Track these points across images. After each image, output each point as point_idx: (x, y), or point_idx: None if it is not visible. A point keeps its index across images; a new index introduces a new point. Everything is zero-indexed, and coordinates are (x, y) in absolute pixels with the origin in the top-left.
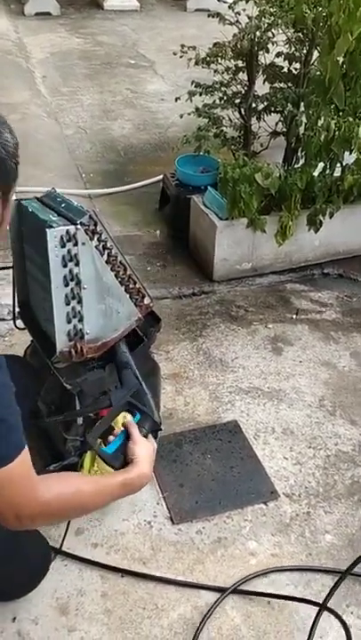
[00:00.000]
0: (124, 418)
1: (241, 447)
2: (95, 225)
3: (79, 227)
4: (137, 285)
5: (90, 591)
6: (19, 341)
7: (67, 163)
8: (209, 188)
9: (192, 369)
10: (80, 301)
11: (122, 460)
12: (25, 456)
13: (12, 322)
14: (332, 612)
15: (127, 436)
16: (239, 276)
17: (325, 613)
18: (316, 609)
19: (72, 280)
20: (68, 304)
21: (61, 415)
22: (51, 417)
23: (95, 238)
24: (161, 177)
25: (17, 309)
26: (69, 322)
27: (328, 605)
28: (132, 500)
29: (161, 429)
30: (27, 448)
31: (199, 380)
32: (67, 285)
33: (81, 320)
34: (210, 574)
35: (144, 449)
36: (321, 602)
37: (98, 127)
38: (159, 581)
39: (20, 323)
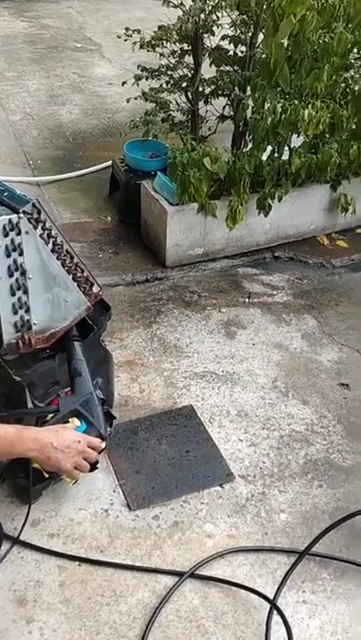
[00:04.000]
0: (72, 422)
1: (197, 431)
2: (39, 213)
3: (22, 215)
4: (85, 274)
5: (47, 581)
6: None
7: (13, 150)
8: (158, 173)
9: (147, 355)
10: (26, 292)
11: None
12: None
13: None
14: (279, 611)
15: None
16: (192, 261)
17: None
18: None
19: (17, 270)
20: (13, 295)
21: (7, 412)
22: (1, 410)
23: (39, 227)
24: (110, 162)
25: None
26: (16, 313)
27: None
28: (88, 490)
29: (104, 447)
30: None
31: (154, 366)
32: (11, 276)
33: (28, 311)
34: (168, 559)
35: (70, 437)
36: (273, 596)
37: (45, 113)
38: (117, 568)
39: None
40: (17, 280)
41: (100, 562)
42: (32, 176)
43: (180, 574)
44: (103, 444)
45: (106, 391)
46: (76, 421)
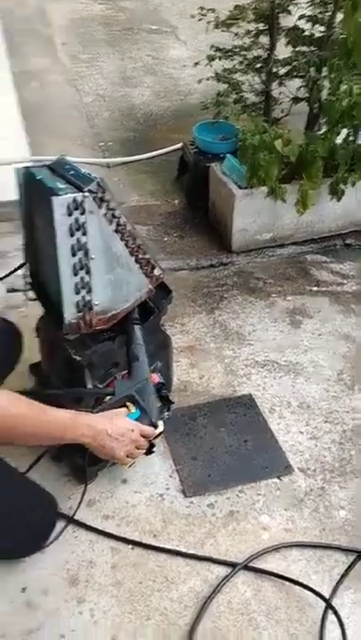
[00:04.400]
0: (128, 408)
1: (256, 421)
2: (103, 192)
3: (87, 194)
4: (147, 256)
5: (100, 563)
6: (33, 313)
7: (85, 131)
8: (228, 155)
9: (208, 342)
10: (88, 272)
11: None
12: None
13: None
14: (334, 611)
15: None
16: (259, 246)
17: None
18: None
19: (80, 250)
20: (75, 275)
21: (62, 390)
22: (61, 389)
23: (103, 206)
24: (180, 145)
25: (28, 280)
26: (77, 293)
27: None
28: (144, 473)
29: (159, 434)
30: None
31: (215, 352)
32: (74, 255)
33: (89, 291)
34: (221, 548)
35: (125, 425)
36: (329, 595)
37: (117, 94)
38: (170, 554)
39: (31, 294)
40: (80, 260)
41: (154, 547)
42: (102, 157)
43: (233, 565)
44: (158, 430)
45: (165, 375)
46: (131, 407)
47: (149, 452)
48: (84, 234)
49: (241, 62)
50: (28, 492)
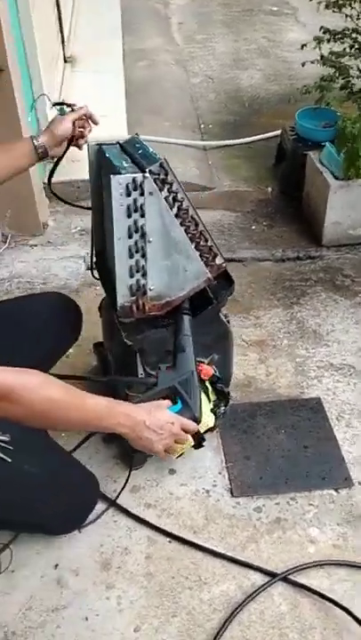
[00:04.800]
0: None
1: (320, 427)
2: (166, 174)
3: (147, 175)
4: (209, 243)
5: (135, 551)
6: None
7: (187, 112)
8: (327, 144)
9: (281, 338)
10: (144, 255)
11: None
12: None
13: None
14: None
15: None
16: (351, 242)
17: None
18: None
19: (137, 232)
20: (131, 257)
21: (105, 377)
22: (115, 374)
23: (165, 189)
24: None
25: (94, 259)
26: (132, 276)
27: None
28: (193, 466)
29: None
30: None
31: (287, 350)
32: (131, 237)
33: (144, 275)
34: (263, 555)
35: (164, 417)
36: None
37: (226, 76)
38: (207, 553)
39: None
40: (136, 242)
41: (192, 543)
42: (200, 140)
43: (272, 575)
44: (208, 425)
45: (223, 369)
46: (173, 400)
47: (199, 445)
48: (142, 215)
49: (351, 46)
50: (72, 470)
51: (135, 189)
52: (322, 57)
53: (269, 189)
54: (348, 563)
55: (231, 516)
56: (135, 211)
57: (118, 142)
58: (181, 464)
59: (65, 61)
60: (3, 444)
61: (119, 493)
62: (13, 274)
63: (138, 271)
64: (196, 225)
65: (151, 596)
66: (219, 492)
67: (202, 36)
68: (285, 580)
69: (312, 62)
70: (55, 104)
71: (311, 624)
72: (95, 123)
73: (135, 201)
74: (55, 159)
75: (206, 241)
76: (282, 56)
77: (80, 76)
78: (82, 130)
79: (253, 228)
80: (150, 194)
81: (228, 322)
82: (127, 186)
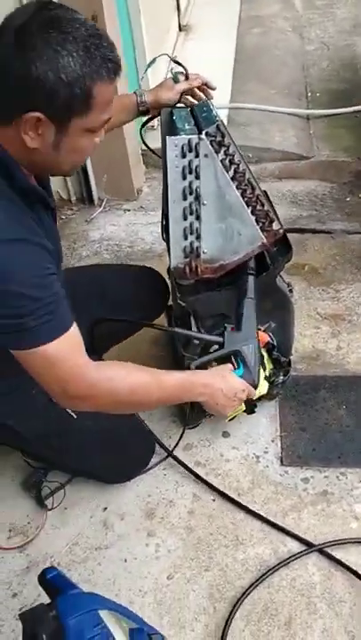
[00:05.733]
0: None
1: None
2: (223, 137)
3: (203, 137)
4: (265, 208)
5: (179, 505)
6: None
7: (296, 80)
8: None
9: (358, 313)
10: (198, 218)
11: None
12: (72, 337)
13: None
14: None
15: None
16: None
17: None
18: None
19: (191, 194)
20: (185, 219)
21: (175, 328)
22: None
23: (222, 151)
24: None
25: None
26: (186, 238)
27: None
28: (247, 431)
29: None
30: (74, 329)
31: None
32: (185, 199)
33: (198, 237)
34: (302, 525)
35: (237, 385)
36: None
37: (343, 43)
38: (248, 514)
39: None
40: (190, 204)
41: (235, 501)
42: (305, 108)
43: (310, 545)
44: (262, 392)
45: (280, 338)
46: (234, 364)
47: (251, 411)
48: (197, 178)
49: None
50: (128, 430)
51: (190, 151)
52: None
53: None
54: None
55: (278, 484)
56: (190, 172)
57: (190, 106)
58: (236, 428)
59: (180, 29)
60: None
61: (174, 447)
62: (104, 236)
63: (192, 233)
64: (253, 189)
65: (188, 549)
66: (269, 458)
67: (323, 2)
68: (321, 552)
69: None
70: (174, 61)
71: (341, 597)
72: (212, 88)
73: (190, 163)
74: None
75: (263, 205)
76: None
77: (192, 44)
78: (188, 98)
79: (348, 199)
80: (205, 156)
81: (291, 291)
82: (182, 147)
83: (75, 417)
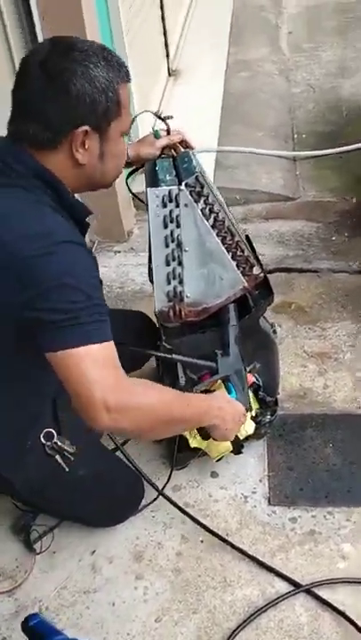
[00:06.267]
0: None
1: None
2: (202, 187)
3: (182, 188)
4: (245, 254)
5: (167, 547)
6: None
7: (282, 122)
8: None
9: (344, 351)
10: (180, 264)
11: None
12: (111, 349)
13: None
14: None
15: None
16: None
17: None
18: None
19: (173, 241)
20: (168, 265)
21: (171, 355)
22: (161, 375)
23: (201, 201)
24: None
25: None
26: (169, 283)
27: None
28: (236, 471)
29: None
30: (112, 344)
31: (348, 364)
32: (167, 246)
33: (181, 282)
34: (290, 565)
35: (240, 410)
36: None
37: (328, 86)
38: (236, 554)
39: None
40: (172, 251)
41: (224, 539)
42: (292, 150)
43: (297, 585)
44: (248, 432)
45: (266, 378)
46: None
47: (238, 451)
48: (178, 226)
49: None
50: (120, 475)
51: (171, 201)
52: None
53: (354, 200)
54: None
55: (265, 524)
56: (171, 221)
57: (173, 156)
58: (224, 468)
59: (169, 74)
60: (67, 454)
61: (163, 487)
62: None
63: (175, 278)
64: (233, 236)
65: (176, 591)
66: (257, 498)
67: (310, 45)
68: (309, 592)
69: None
70: (157, 117)
71: (329, 638)
72: (191, 148)
73: (171, 212)
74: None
75: (243, 251)
76: None
77: (181, 89)
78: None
79: (334, 238)
80: (186, 205)
81: (275, 331)
82: (163, 198)
83: (67, 470)
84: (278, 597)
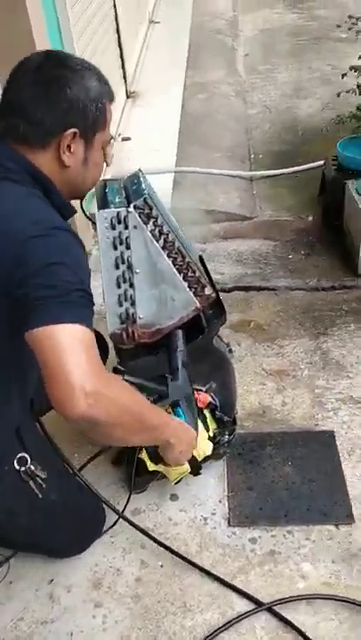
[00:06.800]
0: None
1: (329, 461)
2: (150, 209)
3: (131, 210)
4: (196, 274)
5: (126, 573)
6: None
7: (239, 143)
8: None
9: (302, 368)
10: (132, 285)
11: None
12: (93, 338)
13: None
14: None
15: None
16: None
17: None
18: None
19: (123, 263)
20: (119, 287)
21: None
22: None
23: (150, 222)
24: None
25: None
26: (121, 305)
27: None
28: (195, 493)
29: None
30: (94, 336)
31: (306, 381)
32: (117, 268)
33: (133, 304)
34: (251, 586)
35: (194, 434)
36: None
37: (284, 106)
38: (197, 576)
39: None
40: (123, 273)
41: (188, 560)
42: (248, 170)
43: (258, 603)
44: (206, 453)
45: (223, 397)
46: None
47: (197, 472)
48: (128, 248)
49: None
50: (87, 500)
51: (120, 223)
52: (358, 86)
53: (310, 218)
54: (335, 597)
55: (225, 546)
56: (121, 243)
57: (122, 178)
58: (184, 490)
59: (128, 96)
60: (39, 480)
61: (123, 510)
62: None
63: (126, 300)
64: (183, 257)
65: (135, 618)
66: (216, 520)
67: (265, 67)
68: (270, 611)
69: (347, 92)
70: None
71: None
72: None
73: (120, 234)
74: None
75: (194, 272)
76: (344, 83)
77: (139, 111)
78: None
79: (291, 257)
80: (135, 227)
81: (231, 351)
82: (112, 220)
83: (40, 496)
84: (239, 616)
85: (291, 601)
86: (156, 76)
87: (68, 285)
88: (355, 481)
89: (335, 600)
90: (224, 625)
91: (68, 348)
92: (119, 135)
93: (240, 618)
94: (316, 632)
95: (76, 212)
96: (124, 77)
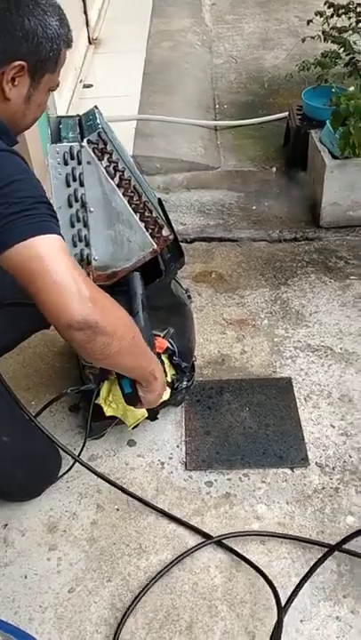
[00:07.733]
0: None
1: (286, 407)
2: (105, 144)
3: (84, 144)
4: (153, 215)
5: (82, 517)
6: None
7: (204, 93)
8: (327, 122)
9: (262, 317)
10: (86, 225)
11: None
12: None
13: None
14: (279, 623)
15: None
16: (352, 223)
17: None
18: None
19: (76, 201)
20: (72, 226)
21: None
22: None
23: (105, 158)
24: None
25: None
26: (75, 245)
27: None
28: (153, 438)
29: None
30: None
31: (265, 330)
32: (71, 206)
33: (87, 245)
34: (205, 528)
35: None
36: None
37: (250, 57)
38: (158, 513)
39: None
40: (77, 212)
41: (143, 501)
42: (213, 119)
43: (209, 537)
44: (165, 399)
45: (180, 343)
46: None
47: (154, 417)
48: (82, 185)
49: (358, 20)
50: (39, 442)
51: (72, 158)
52: (323, 32)
53: (274, 169)
54: (286, 536)
55: (181, 489)
56: (74, 180)
57: (78, 115)
58: (141, 436)
59: (90, 43)
60: None
61: (78, 454)
62: None
63: (80, 241)
64: (140, 196)
65: (90, 560)
66: (173, 464)
67: (232, 17)
68: (222, 546)
69: (312, 38)
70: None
71: (242, 598)
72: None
73: (73, 170)
74: None
75: (151, 212)
76: (310, 34)
77: (102, 58)
78: None
79: (254, 207)
80: (88, 163)
81: (190, 297)
82: (64, 155)
83: None
84: (190, 549)
85: (241, 536)
86: (119, 23)
87: (31, 200)
88: (311, 425)
89: (285, 538)
90: (175, 559)
91: (54, 258)
92: (81, 82)
93: (191, 550)
94: (270, 570)
95: (17, 142)
96: (87, 23)
